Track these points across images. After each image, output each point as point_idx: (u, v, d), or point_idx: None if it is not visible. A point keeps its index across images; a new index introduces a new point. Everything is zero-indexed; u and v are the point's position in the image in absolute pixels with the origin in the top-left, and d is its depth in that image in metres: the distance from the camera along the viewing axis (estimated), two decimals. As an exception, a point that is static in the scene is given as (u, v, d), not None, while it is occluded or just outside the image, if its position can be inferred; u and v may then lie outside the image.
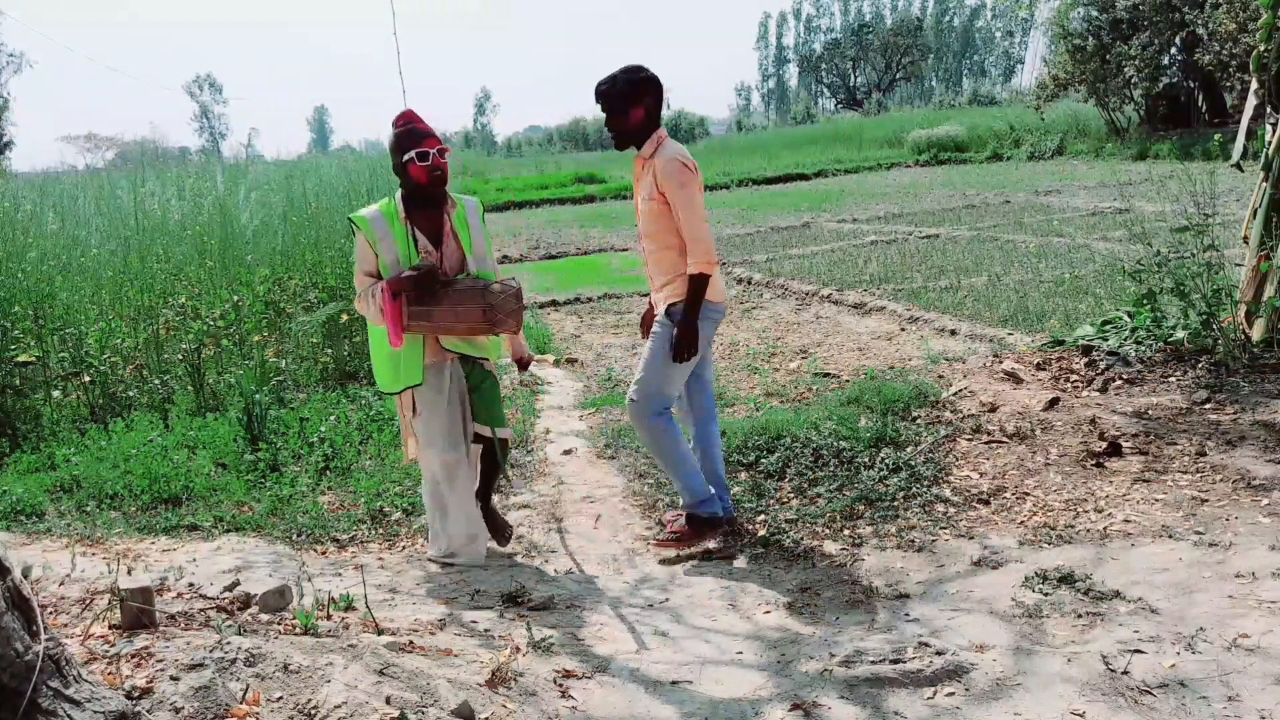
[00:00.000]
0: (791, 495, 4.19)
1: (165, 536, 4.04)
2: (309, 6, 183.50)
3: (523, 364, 4.05)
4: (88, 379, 5.80)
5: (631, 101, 3.65)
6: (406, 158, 3.49)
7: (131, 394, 5.92)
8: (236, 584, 3.22)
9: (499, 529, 3.89)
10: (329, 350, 6.62)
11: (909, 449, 4.47)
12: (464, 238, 3.64)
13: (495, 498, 4.06)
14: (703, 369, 3.95)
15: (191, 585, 3.22)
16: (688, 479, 3.80)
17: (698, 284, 3.62)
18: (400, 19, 5.72)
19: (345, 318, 6.83)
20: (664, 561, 3.78)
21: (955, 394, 5.11)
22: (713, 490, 3.86)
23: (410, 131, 3.51)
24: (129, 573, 3.39)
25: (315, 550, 3.92)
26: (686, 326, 3.65)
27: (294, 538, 4.02)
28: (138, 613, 2.44)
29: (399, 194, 3.60)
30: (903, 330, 7.29)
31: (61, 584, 3.08)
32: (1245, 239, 5.64)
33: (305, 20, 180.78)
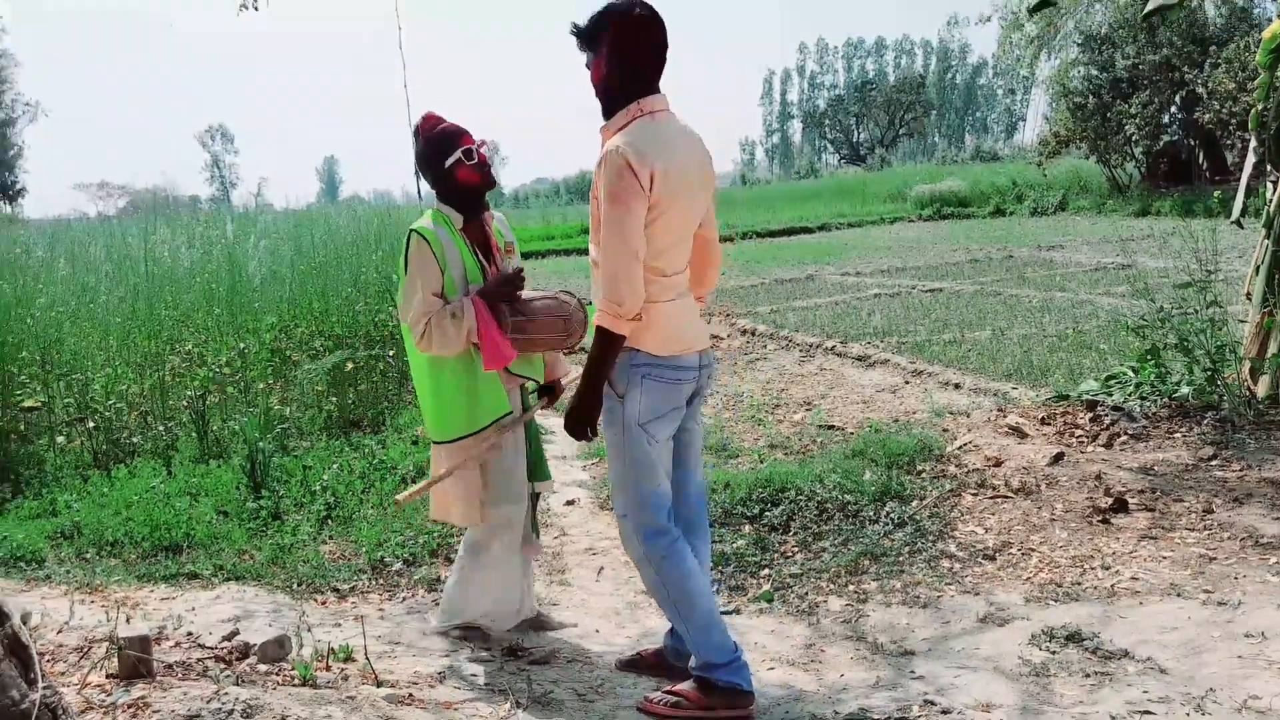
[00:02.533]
0: (796, 549, 4.16)
1: (165, 584, 4.02)
2: (320, 58, 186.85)
3: (555, 393, 3.46)
4: (92, 425, 5.81)
5: (590, 46, 2.66)
6: (452, 161, 3.10)
7: (135, 440, 5.92)
8: (235, 633, 3.19)
9: (546, 622, 3.58)
10: (333, 398, 6.63)
11: (914, 503, 4.45)
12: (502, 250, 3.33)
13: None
14: (683, 456, 2.90)
15: (190, 634, 3.20)
16: (700, 630, 2.75)
17: (598, 340, 2.61)
18: (410, 70, 5.83)
19: (350, 366, 6.85)
20: None
21: (960, 448, 5.09)
22: (737, 648, 2.78)
23: (446, 133, 3.13)
24: (127, 621, 3.36)
25: (315, 600, 3.89)
26: (576, 396, 2.70)
27: (294, 587, 3.99)
28: (135, 662, 2.42)
29: (442, 205, 3.21)
30: (907, 383, 7.28)
31: (60, 631, 3.06)
32: (1248, 296, 5.67)
33: (316, 71, 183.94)
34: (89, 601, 3.71)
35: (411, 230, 3.12)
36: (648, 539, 2.75)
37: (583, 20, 2.68)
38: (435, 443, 3.27)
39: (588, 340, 2.76)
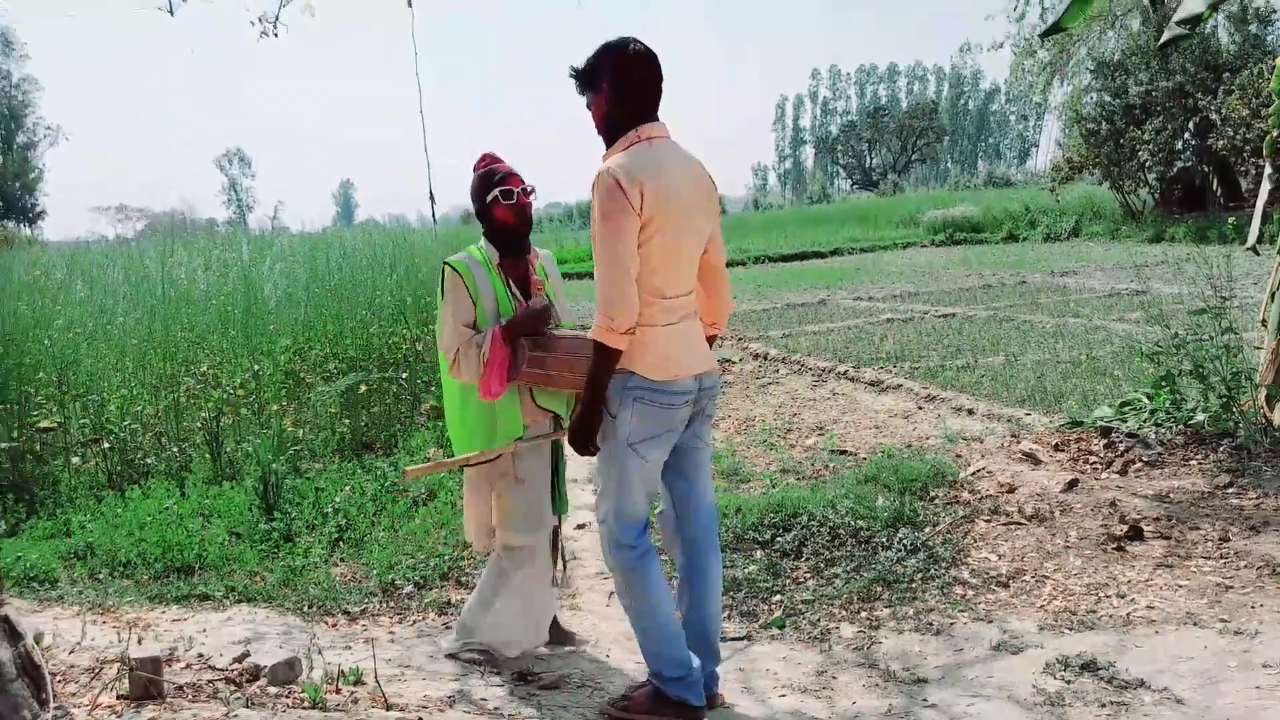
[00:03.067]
0: (808, 575, 4.14)
1: (176, 606, 4.03)
2: (337, 83, 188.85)
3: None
4: (107, 445, 5.85)
5: (590, 86, 2.79)
6: (490, 198, 3.23)
7: (149, 461, 5.95)
8: (246, 655, 3.20)
9: (564, 635, 3.63)
10: (346, 420, 6.65)
11: (927, 529, 4.42)
12: (547, 287, 3.41)
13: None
14: (690, 472, 2.97)
15: (201, 656, 3.20)
16: (656, 642, 2.85)
17: (597, 354, 2.69)
18: (426, 95, 5.89)
19: (364, 388, 6.87)
20: None
21: (973, 474, 5.07)
22: (692, 664, 2.85)
23: (492, 172, 3.28)
24: (139, 642, 3.38)
25: (326, 622, 3.89)
26: (579, 410, 2.80)
27: (305, 609, 3.99)
28: (146, 683, 2.42)
29: (484, 241, 3.33)
30: (920, 409, 7.26)
31: (72, 652, 3.06)
32: (1263, 322, 5.63)
33: (333, 95, 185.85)
34: (101, 622, 3.73)
35: (445, 263, 3.25)
36: (616, 550, 2.86)
37: (580, 63, 2.80)
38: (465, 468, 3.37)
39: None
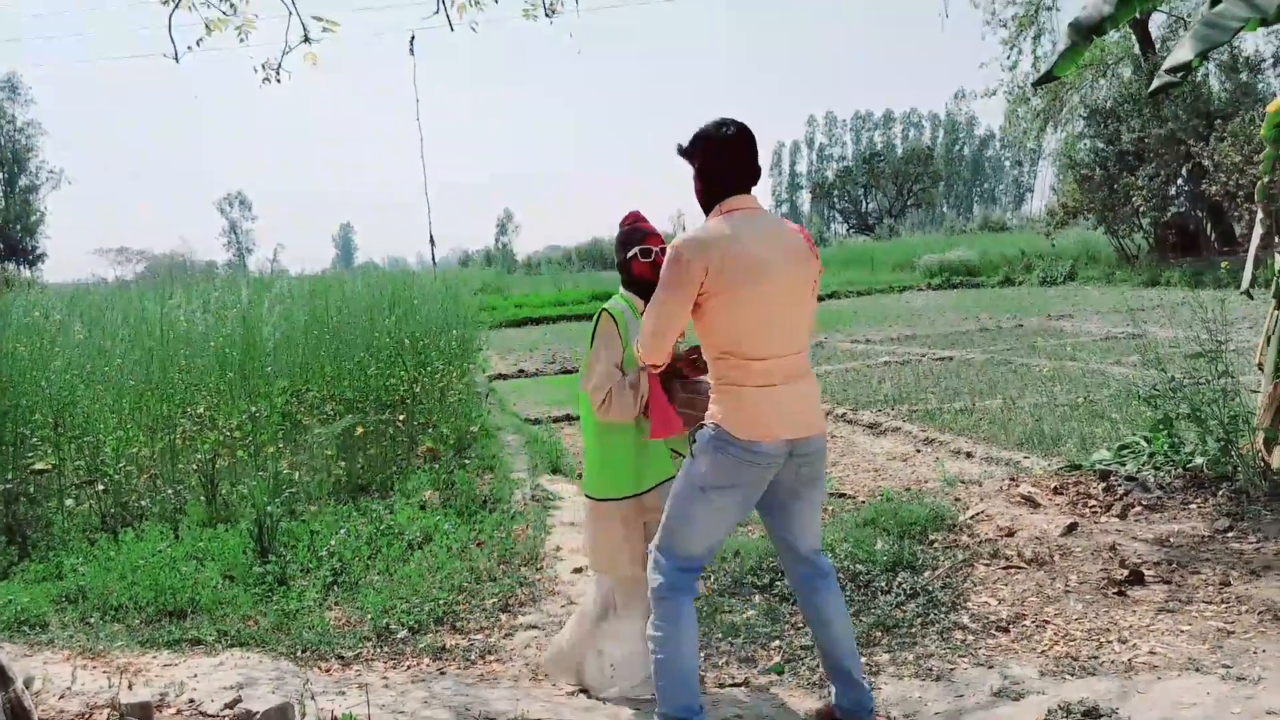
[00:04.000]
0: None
1: (168, 650, 3.98)
2: (337, 127, 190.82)
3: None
4: (101, 488, 5.82)
5: (689, 163, 3.05)
6: (630, 254, 3.51)
7: (144, 504, 5.92)
8: (238, 701, 3.16)
9: None
10: (343, 462, 6.63)
11: (926, 573, 4.39)
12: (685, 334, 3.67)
13: (504, 616, 3.99)
14: (792, 526, 3.09)
15: (192, 702, 3.16)
16: (663, 677, 2.94)
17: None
18: (426, 141, 5.95)
19: (361, 430, 6.86)
20: None
21: (972, 517, 5.04)
22: (694, 710, 2.93)
23: (634, 230, 3.56)
24: (129, 687, 3.34)
25: (320, 667, 3.85)
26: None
27: (298, 654, 3.95)
28: (136, 729, 2.39)
29: (624, 290, 3.60)
30: (918, 451, 7.25)
31: (61, 697, 3.03)
32: (1260, 366, 5.65)
33: (335, 139, 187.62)
34: (91, 667, 3.68)
35: (602, 309, 3.50)
36: (654, 574, 3.00)
37: (685, 143, 3.06)
38: (591, 499, 3.50)
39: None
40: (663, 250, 3.44)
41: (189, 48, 5.43)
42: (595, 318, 3.48)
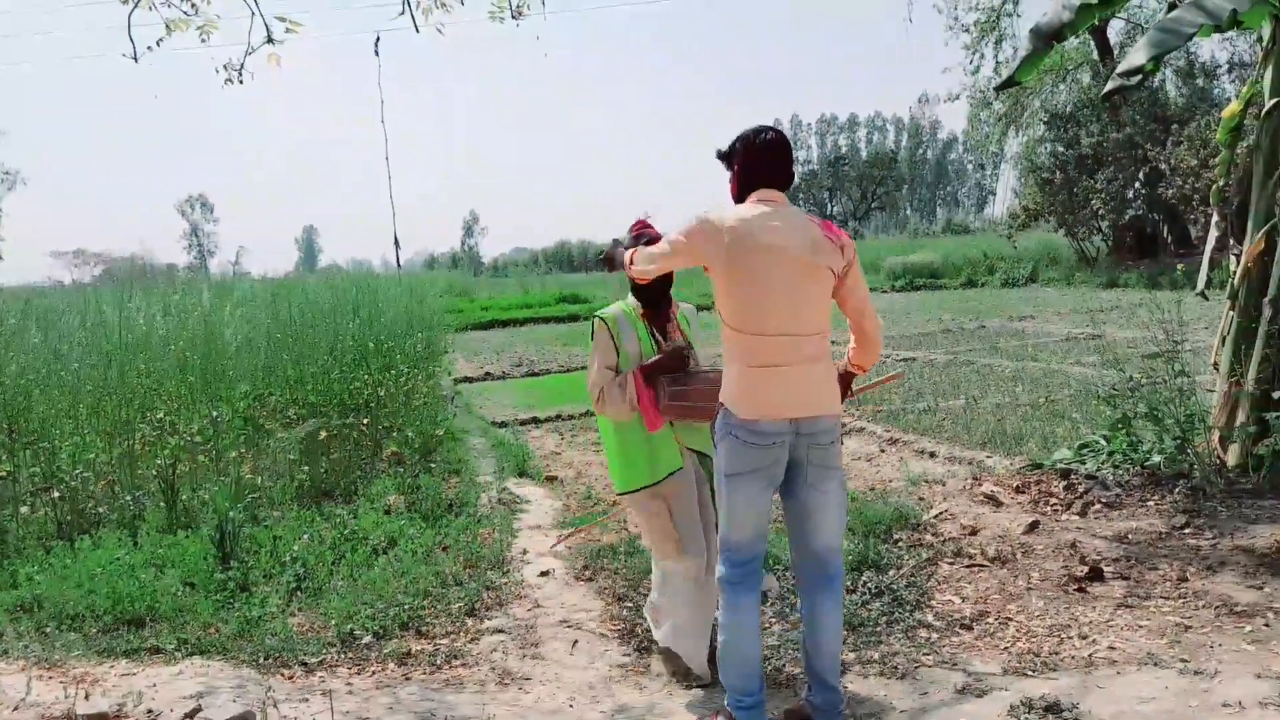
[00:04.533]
0: (773, 620, 4.12)
1: (126, 660, 3.91)
2: (300, 129, 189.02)
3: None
4: (57, 494, 5.70)
5: (727, 164, 3.27)
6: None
7: (101, 510, 5.81)
8: (198, 710, 3.11)
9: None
10: (306, 467, 6.55)
11: (891, 572, 4.43)
12: (688, 334, 3.82)
13: (470, 620, 3.96)
14: (804, 519, 3.11)
15: (150, 712, 3.11)
16: (726, 664, 3.11)
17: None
18: (392, 144, 5.92)
19: (324, 435, 6.79)
20: None
21: (936, 516, 5.09)
22: (753, 692, 3.08)
23: (638, 237, 3.68)
24: (86, 698, 3.27)
25: (282, 674, 3.80)
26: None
27: (260, 661, 3.89)
28: (92, 740, 2.34)
29: (630, 297, 3.81)
30: (882, 451, 7.30)
31: (16, 709, 2.96)
32: (1215, 365, 5.76)
33: (297, 140, 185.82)
34: (47, 677, 3.61)
35: (595, 315, 3.76)
36: (721, 578, 3.11)
37: (724, 147, 3.26)
38: (621, 493, 3.74)
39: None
40: None
41: (149, 48, 5.35)
42: (591, 323, 3.74)
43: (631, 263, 3.39)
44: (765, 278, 2.97)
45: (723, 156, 3.27)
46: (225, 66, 5.54)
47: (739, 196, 3.19)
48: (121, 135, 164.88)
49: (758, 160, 3.15)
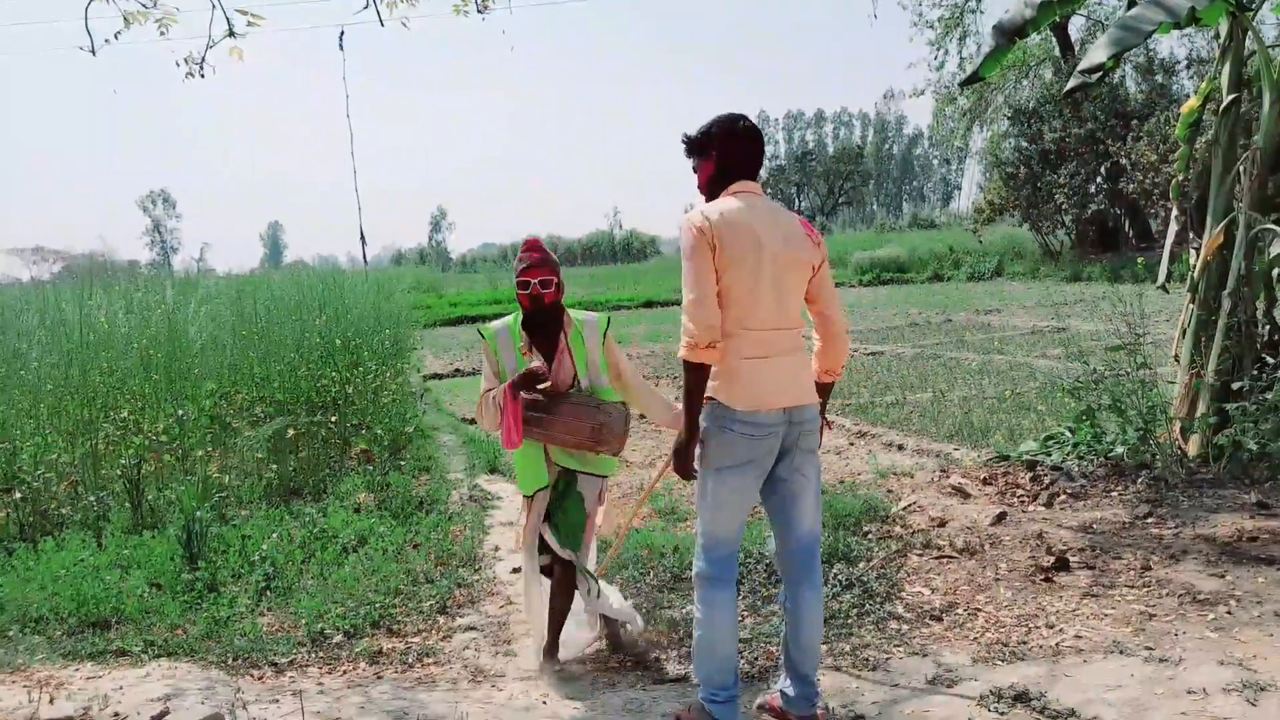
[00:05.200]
0: (745, 613, 4.13)
1: (91, 663, 3.85)
2: (264, 124, 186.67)
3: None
4: (19, 496, 5.60)
5: (699, 153, 3.16)
6: (516, 283, 3.78)
7: (64, 511, 5.71)
8: (165, 713, 3.07)
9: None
10: (274, 466, 6.48)
11: (861, 564, 4.46)
12: (578, 355, 3.76)
13: (442, 618, 3.94)
14: (788, 504, 3.13)
15: (117, 715, 3.07)
16: (702, 659, 3.10)
17: (686, 372, 2.95)
18: (357, 139, 5.85)
19: (291, 433, 6.72)
20: None
21: (905, 509, 5.14)
22: (730, 687, 3.09)
23: (520, 260, 3.79)
24: (50, 702, 3.22)
25: (251, 675, 3.76)
26: (680, 432, 3.03)
27: (229, 662, 3.85)
28: (58, 745, 2.31)
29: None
30: (851, 444, 7.36)
31: (-23, 715, 2.91)
32: (1176, 357, 5.86)
33: (261, 137, 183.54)
34: (10, 682, 3.55)
35: (477, 328, 3.97)
36: (698, 562, 3.10)
37: (693, 133, 3.16)
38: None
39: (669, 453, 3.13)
40: (541, 283, 3.67)
41: (106, 41, 5.25)
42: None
43: (690, 338, 2.90)
44: (755, 273, 2.98)
45: (694, 144, 3.17)
46: (186, 60, 5.46)
47: (715, 186, 3.13)
48: (80, 130, 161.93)
49: (738, 150, 3.10)
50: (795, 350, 3.11)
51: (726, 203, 3.03)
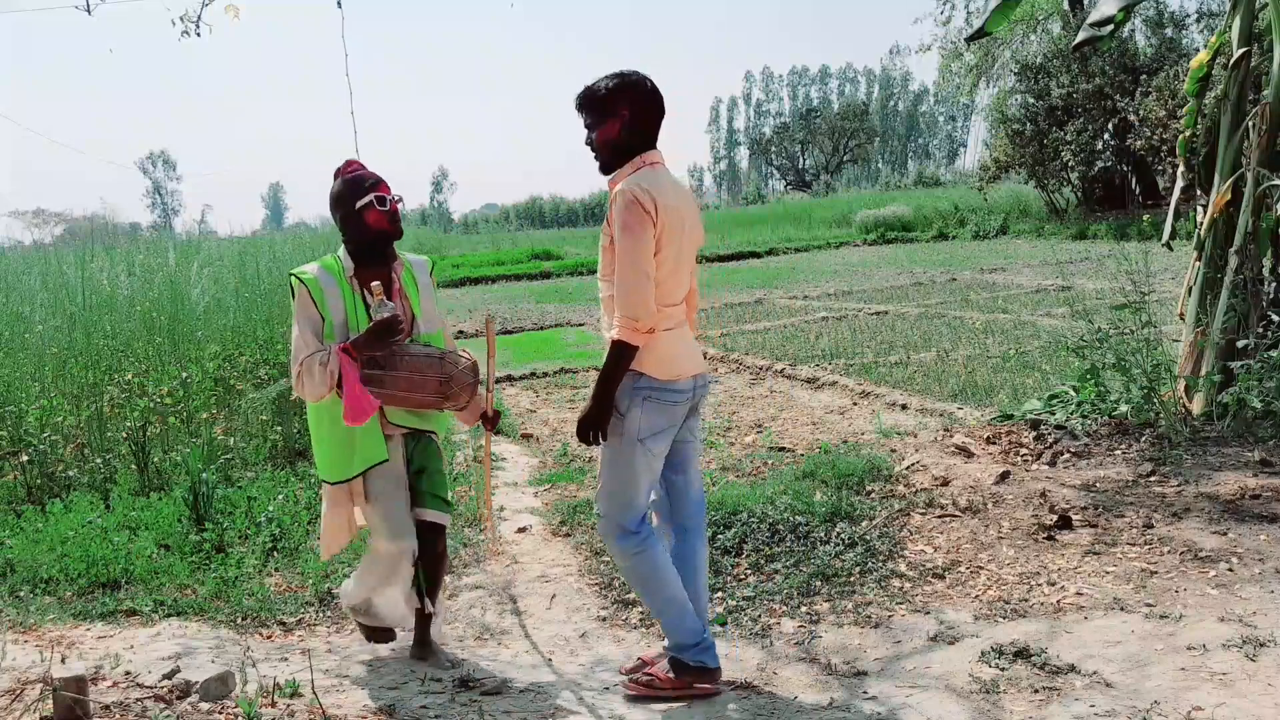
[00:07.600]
0: (749, 572, 4.17)
1: (102, 622, 3.89)
2: (265, 84, 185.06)
3: (491, 421, 3.52)
4: (26, 459, 5.63)
5: (605, 110, 2.96)
6: (362, 204, 3.19)
7: (71, 474, 5.75)
8: (176, 671, 3.11)
9: (426, 647, 3.50)
10: (278, 427, 6.51)
11: (864, 523, 4.48)
12: (413, 297, 3.34)
13: (448, 578, 3.98)
14: (683, 465, 3.24)
15: (128, 674, 3.10)
16: (674, 618, 3.11)
17: (613, 352, 2.90)
18: (357, 99, 5.79)
19: (295, 394, 6.73)
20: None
21: (908, 468, 5.15)
22: (704, 631, 3.15)
23: (360, 178, 3.25)
24: (63, 661, 3.26)
25: (260, 634, 3.80)
26: (590, 404, 2.97)
27: (238, 621, 3.90)
28: (71, 704, 2.34)
29: (342, 251, 3.32)
30: (855, 404, 7.36)
31: (-10, 674, 2.95)
32: (1181, 316, 5.84)
33: (261, 97, 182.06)
34: (22, 641, 3.59)
35: (291, 274, 3.24)
36: (621, 539, 3.10)
37: (595, 89, 2.99)
38: (324, 482, 3.37)
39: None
40: (396, 198, 3.25)
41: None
42: (291, 284, 3.23)
43: (634, 321, 2.88)
44: (678, 253, 3.02)
45: (596, 103, 2.97)
46: (182, 19, 5.41)
47: (619, 152, 2.99)
48: (78, 91, 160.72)
49: (652, 114, 3.00)
50: (685, 320, 3.21)
51: (650, 176, 2.94)
